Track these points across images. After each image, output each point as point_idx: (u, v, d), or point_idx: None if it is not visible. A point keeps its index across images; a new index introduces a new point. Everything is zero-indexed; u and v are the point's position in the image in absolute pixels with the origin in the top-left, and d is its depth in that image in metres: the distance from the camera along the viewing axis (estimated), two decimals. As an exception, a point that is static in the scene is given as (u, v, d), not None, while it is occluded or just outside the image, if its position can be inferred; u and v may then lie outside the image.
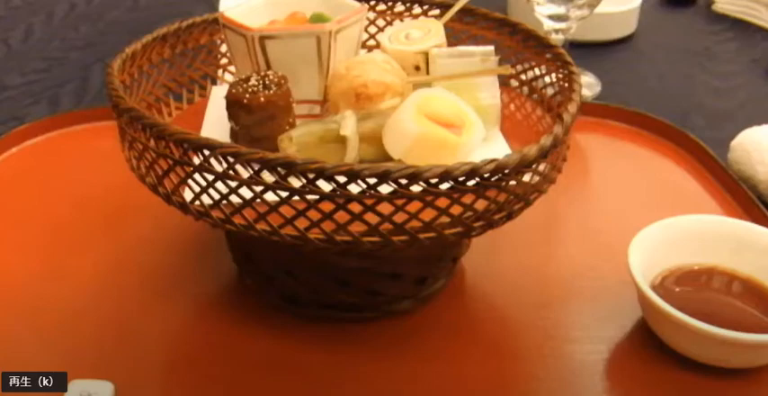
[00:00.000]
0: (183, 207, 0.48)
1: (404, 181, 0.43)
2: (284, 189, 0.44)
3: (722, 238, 0.59)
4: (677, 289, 0.57)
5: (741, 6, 1.14)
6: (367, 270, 0.53)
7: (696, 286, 0.58)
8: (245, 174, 0.44)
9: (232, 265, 0.60)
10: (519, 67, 0.63)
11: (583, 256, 0.65)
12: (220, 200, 0.46)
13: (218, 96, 0.63)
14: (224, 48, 0.65)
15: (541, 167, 0.48)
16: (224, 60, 0.67)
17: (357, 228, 0.45)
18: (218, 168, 0.45)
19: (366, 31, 0.67)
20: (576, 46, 0.91)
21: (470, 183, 0.44)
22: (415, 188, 0.44)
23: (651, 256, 0.57)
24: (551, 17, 0.84)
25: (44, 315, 0.57)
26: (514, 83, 0.63)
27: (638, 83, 0.94)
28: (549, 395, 0.53)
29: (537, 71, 0.61)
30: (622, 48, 1.05)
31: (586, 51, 0.98)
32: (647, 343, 0.55)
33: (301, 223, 0.45)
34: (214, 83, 0.66)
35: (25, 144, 0.76)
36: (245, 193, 0.45)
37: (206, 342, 0.55)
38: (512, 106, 0.62)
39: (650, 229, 0.58)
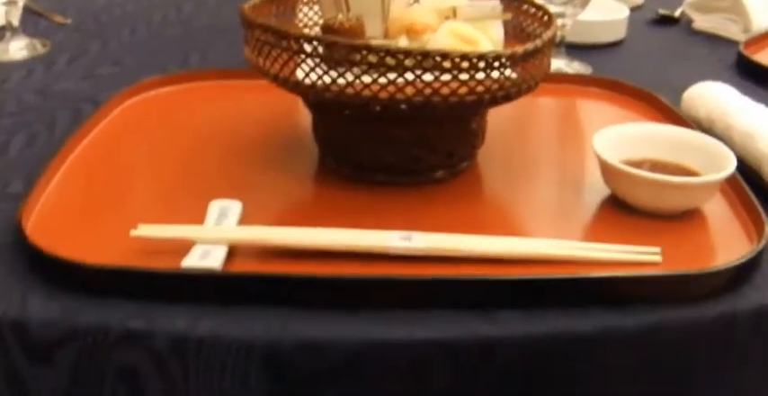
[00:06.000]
0: (297, 85, 0.74)
1: (438, 58, 0.69)
2: (364, 64, 0.70)
3: (662, 138, 0.84)
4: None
5: (715, 23, 1.39)
6: (412, 141, 0.79)
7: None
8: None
9: (316, 149, 0.87)
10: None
11: (565, 157, 0.91)
12: (322, 76, 0.72)
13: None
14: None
15: (529, 65, 0.75)
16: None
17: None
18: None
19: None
20: (571, 47, 1.18)
21: (480, 64, 0.71)
22: (446, 65, 0.70)
23: (610, 149, 0.82)
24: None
25: (193, 171, 0.85)
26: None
27: (622, 72, 1.14)
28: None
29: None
30: (610, 49, 1.28)
31: (580, 50, 1.22)
32: (609, 203, 0.81)
33: (374, 88, 0.71)
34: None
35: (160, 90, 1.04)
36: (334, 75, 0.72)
37: (299, 194, 0.82)
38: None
39: (609, 129, 0.83)
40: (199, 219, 0.74)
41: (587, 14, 1.15)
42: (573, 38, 1.17)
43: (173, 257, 0.68)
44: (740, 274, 0.70)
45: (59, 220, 0.76)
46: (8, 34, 1.20)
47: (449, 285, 0.67)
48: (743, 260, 0.70)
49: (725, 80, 1.05)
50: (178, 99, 1.02)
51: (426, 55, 0.69)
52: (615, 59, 1.25)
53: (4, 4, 1.17)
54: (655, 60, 1.26)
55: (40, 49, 1.21)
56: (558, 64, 1.13)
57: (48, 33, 1.29)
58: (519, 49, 0.72)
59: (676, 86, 1.06)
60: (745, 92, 1.01)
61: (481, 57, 0.70)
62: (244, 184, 0.82)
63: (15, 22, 1.19)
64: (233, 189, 0.80)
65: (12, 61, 1.17)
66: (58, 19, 1.36)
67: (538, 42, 0.74)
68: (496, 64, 0.71)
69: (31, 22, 1.31)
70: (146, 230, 0.70)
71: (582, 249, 0.71)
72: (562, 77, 1.08)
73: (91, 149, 0.88)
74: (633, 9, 1.42)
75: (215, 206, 0.75)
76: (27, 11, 1.26)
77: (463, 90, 0.72)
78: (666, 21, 1.44)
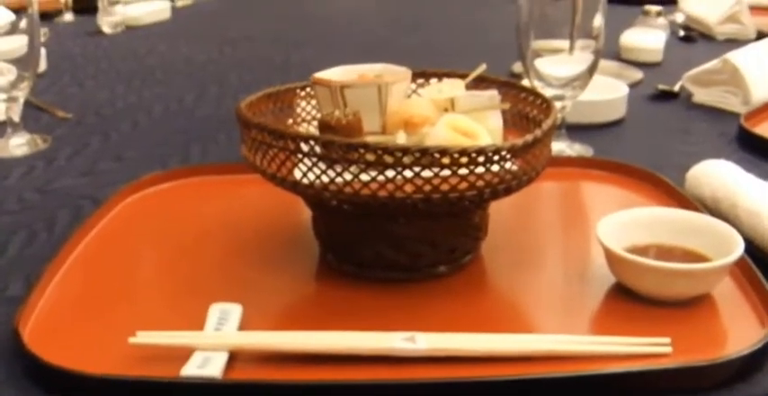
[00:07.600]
0: (295, 184, 0.74)
1: (437, 154, 0.69)
2: (362, 162, 0.69)
3: (667, 222, 0.83)
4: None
5: (715, 96, 1.40)
6: (413, 238, 0.78)
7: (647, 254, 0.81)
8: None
9: (317, 248, 0.86)
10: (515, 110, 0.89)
11: (569, 245, 0.89)
12: (320, 175, 0.72)
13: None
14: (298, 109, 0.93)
15: (529, 156, 0.74)
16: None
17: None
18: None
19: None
20: (571, 127, 1.18)
21: (480, 159, 0.70)
22: (445, 161, 0.69)
23: (615, 236, 0.81)
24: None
25: (193, 271, 0.84)
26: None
27: (624, 151, 1.16)
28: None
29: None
30: (612, 128, 1.28)
31: (581, 130, 1.21)
32: (615, 292, 0.79)
33: (373, 186, 0.71)
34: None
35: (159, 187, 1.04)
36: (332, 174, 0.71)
37: (300, 294, 0.81)
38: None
39: (613, 215, 0.82)
40: (199, 321, 0.72)
41: (586, 94, 1.15)
42: (573, 118, 1.17)
43: (173, 364, 0.67)
44: (753, 362, 0.68)
45: (58, 325, 0.75)
46: (9, 130, 1.20)
47: (455, 387, 0.65)
48: (755, 348, 0.68)
49: (726, 154, 1.06)
50: (178, 195, 1.02)
51: (425, 151, 0.68)
52: (617, 138, 1.25)
53: (5, 100, 1.17)
54: (656, 137, 1.27)
55: (41, 144, 1.22)
56: (560, 146, 1.12)
57: (49, 128, 1.29)
58: (518, 141, 0.71)
59: (679, 163, 1.06)
60: (747, 165, 1.01)
61: (480, 151, 0.69)
62: (244, 285, 0.81)
63: (16, 118, 1.20)
64: (233, 289, 0.79)
65: (12, 158, 1.17)
66: (60, 113, 1.37)
67: (538, 133, 0.73)
68: (496, 158, 0.70)
69: (33, 116, 1.32)
70: (144, 338, 0.68)
71: (590, 344, 0.70)
72: (564, 161, 1.08)
73: (90, 250, 0.88)
74: (632, 85, 1.42)
75: (215, 310, 0.73)
76: (29, 105, 1.27)
77: (463, 185, 0.71)
78: (666, 96, 1.44)
